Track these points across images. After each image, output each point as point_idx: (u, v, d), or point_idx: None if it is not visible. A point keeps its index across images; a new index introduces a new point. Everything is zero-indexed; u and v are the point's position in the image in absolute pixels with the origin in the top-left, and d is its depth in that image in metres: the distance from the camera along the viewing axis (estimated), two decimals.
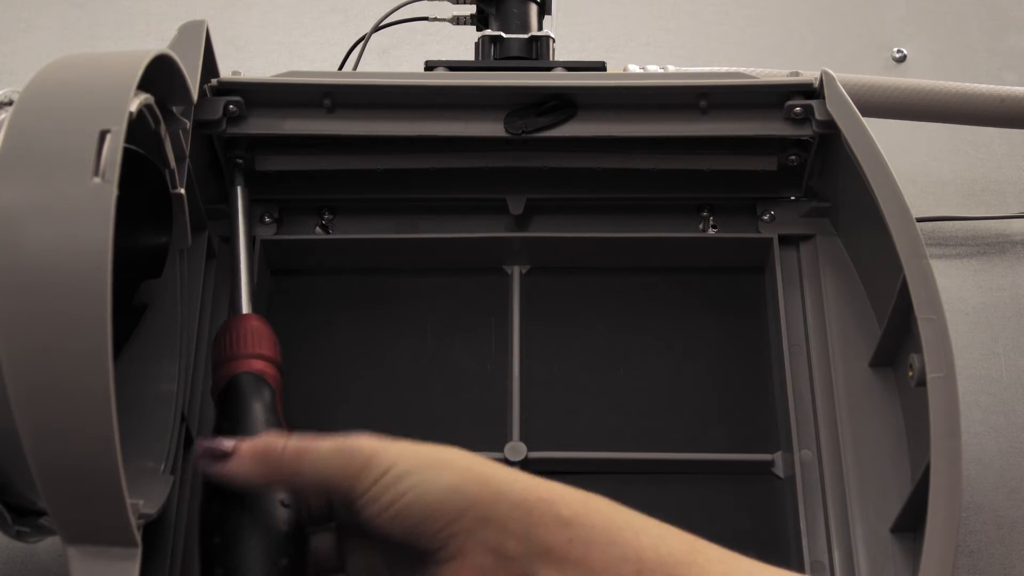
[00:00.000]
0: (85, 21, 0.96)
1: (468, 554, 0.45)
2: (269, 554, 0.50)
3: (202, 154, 0.65)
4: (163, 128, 0.57)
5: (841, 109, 0.63)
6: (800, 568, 0.59)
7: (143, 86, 0.51)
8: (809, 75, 0.65)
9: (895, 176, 0.61)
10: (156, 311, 0.61)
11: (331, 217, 0.70)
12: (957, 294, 0.80)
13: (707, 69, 0.80)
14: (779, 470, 0.62)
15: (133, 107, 0.50)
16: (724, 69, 0.80)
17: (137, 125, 0.53)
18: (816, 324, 0.66)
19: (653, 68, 0.80)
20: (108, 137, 0.46)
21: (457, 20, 0.81)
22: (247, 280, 0.64)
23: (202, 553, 0.51)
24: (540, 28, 0.77)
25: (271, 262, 0.69)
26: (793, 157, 0.67)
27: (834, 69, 0.65)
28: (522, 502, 0.45)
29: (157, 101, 0.55)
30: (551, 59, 0.75)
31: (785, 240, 0.68)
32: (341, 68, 0.85)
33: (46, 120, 0.48)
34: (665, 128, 0.65)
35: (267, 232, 0.68)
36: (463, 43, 0.91)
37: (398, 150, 0.68)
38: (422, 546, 0.46)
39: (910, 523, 0.57)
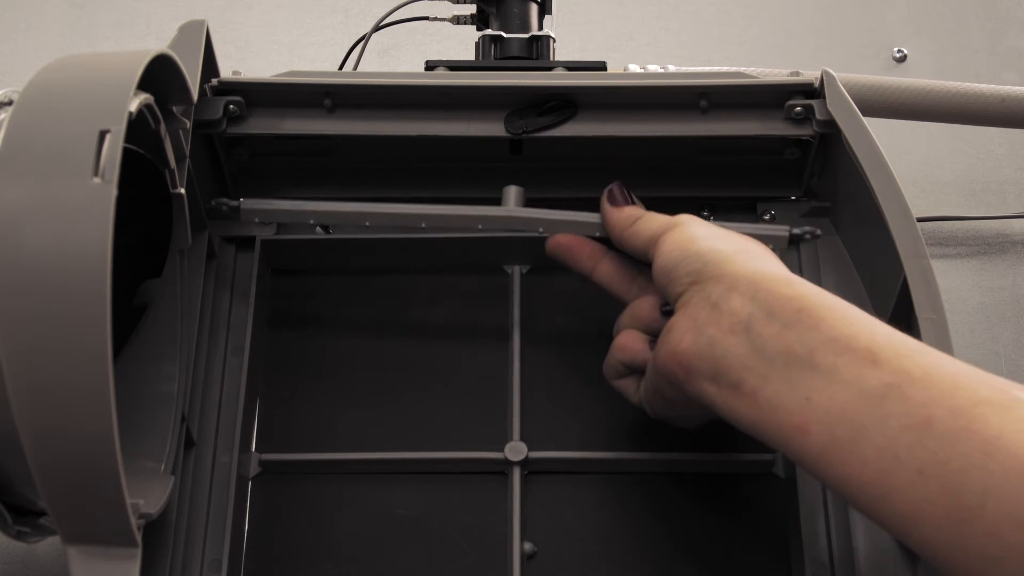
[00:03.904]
0: (85, 21, 0.96)
1: (691, 307, 0.53)
2: None
3: (202, 154, 0.65)
4: (163, 128, 0.57)
5: (842, 109, 0.63)
6: (800, 569, 0.59)
7: (143, 86, 0.51)
8: (809, 75, 0.65)
9: (895, 176, 0.61)
10: (156, 311, 0.61)
11: None
12: (957, 294, 0.80)
13: (707, 69, 0.80)
14: (779, 470, 0.62)
15: (133, 107, 0.50)
16: (724, 69, 0.80)
17: (137, 125, 0.53)
18: None
19: (653, 68, 0.80)
20: (108, 137, 0.46)
21: (457, 20, 0.81)
22: None
23: None
24: (540, 28, 0.77)
25: (271, 262, 0.69)
26: (793, 150, 0.67)
27: (834, 69, 0.65)
28: (753, 272, 0.52)
29: (157, 101, 0.55)
30: (551, 59, 0.75)
31: None
32: (341, 68, 0.86)
33: (46, 120, 0.48)
34: (665, 128, 0.65)
35: (267, 232, 0.68)
36: (463, 43, 0.91)
37: (398, 150, 0.68)
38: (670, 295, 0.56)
39: None
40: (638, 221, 0.60)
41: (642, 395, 0.59)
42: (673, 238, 0.56)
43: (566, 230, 0.63)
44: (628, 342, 0.59)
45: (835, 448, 0.47)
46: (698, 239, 0.55)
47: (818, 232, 0.62)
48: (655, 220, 0.59)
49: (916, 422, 0.45)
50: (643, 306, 0.60)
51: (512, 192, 0.64)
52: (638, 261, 0.60)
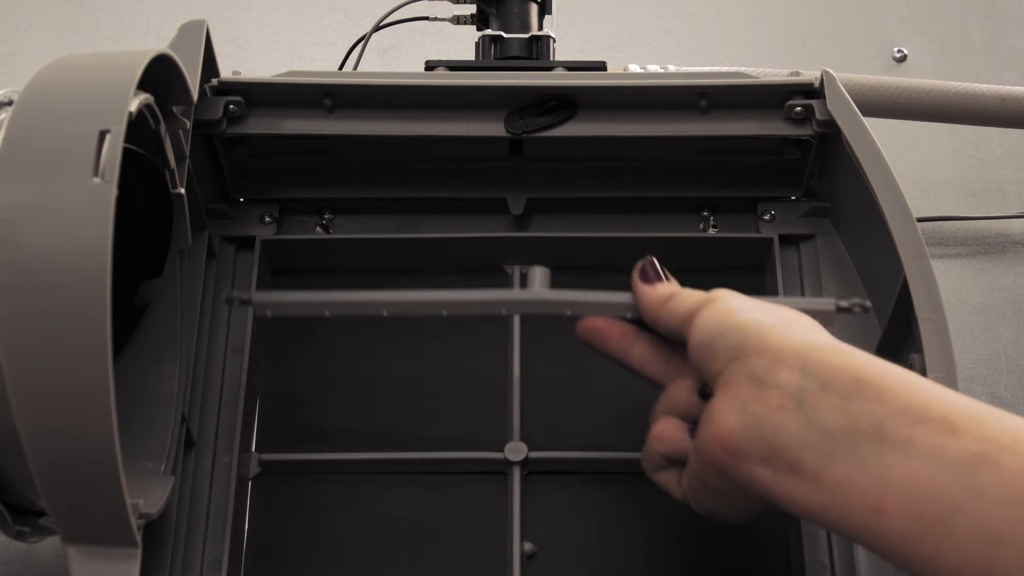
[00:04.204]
0: (85, 21, 0.96)
1: (732, 385, 0.49)
2: None
3: (202, 154, 0.65)
4: (163, 128, 0.57)
5: (842, 109, 0.63)
6: (800, 569, 0.59)
7: (143, 86, 0.51)
8: (809, 75, 0.65)
9: (895, 176, 0.61)
10: (156, 311, 0.61)
11: (331, 217, 0.70)
12: (957, 294, 0.80)
13: (707, 69, 0.80)
14: None
15: (133, 107, 0.50)
16: (724, 69, 0.80)
17: (137, 125, 0.53)
18: None
19: (653, 68, 0.80)
20: (108, 137, 0.47)
21: (457, 20, 0.81)
22: None
23: None
24: (540, 28, 0.77)
25: (271, 262, 0.69)
26: (793, 150, 0.67)
27: (834, 69, 0.65)
28: (800, 343, 0.49)
29: (157, 101, 0.55)
30: (551, 59, 0.75)
31: (785, 240, 0.68)
32: (341, 68, 0.86)
33: (46, 120, 0.48)
34: (665, 128, 0.65)
35: (267, 232, 0.68)
36: (463, 43, 0.91)
37: (398, 150, 0.68)
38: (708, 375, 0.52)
39: None
40: (672, 299, 0.55)
41: (685, 488, 0.54)
42: (709, 312, 0.52)
43: (596, 312, 0.59)
44: (666, 431, 0.55)
45: (923, 528, 0.43)
46: (736, 312, 0.52)
47: (868, 304, 0.57)
48: (690, 296, 0.55)
49: (1015, 492, 0.41)
50: (679, 390, 0.55)
51: (537, 273, 0.60)
52: (672, 342, 0.56)
